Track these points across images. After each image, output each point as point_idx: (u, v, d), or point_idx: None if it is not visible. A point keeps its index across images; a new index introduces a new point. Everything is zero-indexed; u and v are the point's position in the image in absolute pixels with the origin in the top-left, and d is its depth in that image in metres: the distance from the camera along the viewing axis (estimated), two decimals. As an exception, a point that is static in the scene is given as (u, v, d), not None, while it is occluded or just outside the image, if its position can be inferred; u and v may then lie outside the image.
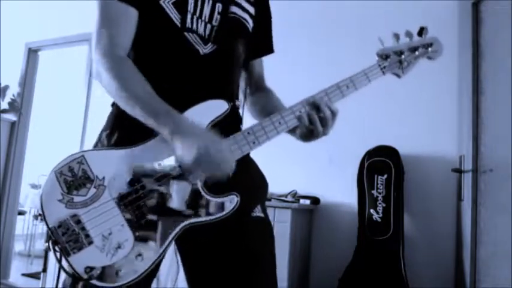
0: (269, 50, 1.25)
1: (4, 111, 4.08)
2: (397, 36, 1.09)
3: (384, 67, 1.07)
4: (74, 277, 0.87)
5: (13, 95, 4.18)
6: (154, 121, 0.89)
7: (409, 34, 1.09)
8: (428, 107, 2.58)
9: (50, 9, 4.09)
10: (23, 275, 4.18)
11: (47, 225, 0.88)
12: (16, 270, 4.25)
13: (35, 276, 3.95)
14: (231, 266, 0.99)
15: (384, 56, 1.08)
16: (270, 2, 1.24)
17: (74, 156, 0.91)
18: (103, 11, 0.98)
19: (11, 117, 4.14)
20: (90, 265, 0.87)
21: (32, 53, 4.30)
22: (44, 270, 3.03)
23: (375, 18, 2.74)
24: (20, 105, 4.18)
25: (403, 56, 1.09)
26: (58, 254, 0.88)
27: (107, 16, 0.98)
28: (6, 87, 4.16)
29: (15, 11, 4.36)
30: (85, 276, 0.86)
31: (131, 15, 0.99)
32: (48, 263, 3.02)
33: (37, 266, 4.24)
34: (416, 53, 1.11)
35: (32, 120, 4.30)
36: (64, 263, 0.88)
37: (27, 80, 4.25)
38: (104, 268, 0.87)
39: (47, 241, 0.89)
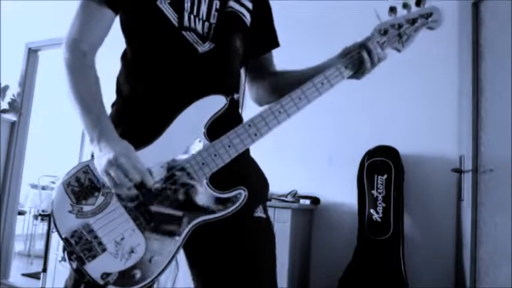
0: (274, 44, 1.24)
1: (4, 111, 4.08)
2: (394, 10, 1.04)
3: (383, 43, 1.04)
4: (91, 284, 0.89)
5: (13, 95, 4.17)
6: (84, 121, 0.93)
7: (406, 6, 1.04)
8: (428, 107, 2.58)
9: (50, 9, 4.08)
10: (23, 275, 4.17)
11: (60, 236, 0.89)
12: (16, 270, 4.25)
13: (35, 276, 3.94)
14: (232, 266, 0.99)
15: (382, 31, 1.04)
16: (272, 1, 1.23)
17: (80, 166, 0.93)
18: (80, 9, 1.02)
19: (11, 117, 4.13)
20: (106, 271, 0.89)
21: (32, 53, 4.29)
22: (44, 270, 3.03)
23: (374, 19, 2.73)
24: (20, 105, 4.17)
25: (402, 29, 1.04)
26: (74, 264, 0.89)
27: (83, 14, 1.01)
28: (6, 87, 4.16)
29: (15, 11, 4.36)
30: (102, 283, 0.88)
31: (106, 16, 1.02)
32: (48, 263, 3.02)
33: (37, 266, 4.24)
34: (416, 24, 1.05)
35: (32, 120, 4.29)
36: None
37: (27, 80, 4.24)
38: (119, 273, 0.89)
39: (62, 251, 0.90)
